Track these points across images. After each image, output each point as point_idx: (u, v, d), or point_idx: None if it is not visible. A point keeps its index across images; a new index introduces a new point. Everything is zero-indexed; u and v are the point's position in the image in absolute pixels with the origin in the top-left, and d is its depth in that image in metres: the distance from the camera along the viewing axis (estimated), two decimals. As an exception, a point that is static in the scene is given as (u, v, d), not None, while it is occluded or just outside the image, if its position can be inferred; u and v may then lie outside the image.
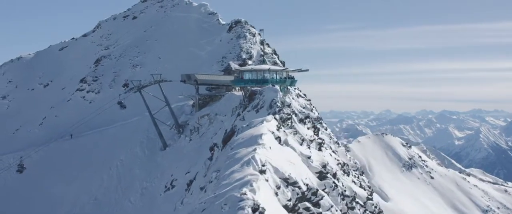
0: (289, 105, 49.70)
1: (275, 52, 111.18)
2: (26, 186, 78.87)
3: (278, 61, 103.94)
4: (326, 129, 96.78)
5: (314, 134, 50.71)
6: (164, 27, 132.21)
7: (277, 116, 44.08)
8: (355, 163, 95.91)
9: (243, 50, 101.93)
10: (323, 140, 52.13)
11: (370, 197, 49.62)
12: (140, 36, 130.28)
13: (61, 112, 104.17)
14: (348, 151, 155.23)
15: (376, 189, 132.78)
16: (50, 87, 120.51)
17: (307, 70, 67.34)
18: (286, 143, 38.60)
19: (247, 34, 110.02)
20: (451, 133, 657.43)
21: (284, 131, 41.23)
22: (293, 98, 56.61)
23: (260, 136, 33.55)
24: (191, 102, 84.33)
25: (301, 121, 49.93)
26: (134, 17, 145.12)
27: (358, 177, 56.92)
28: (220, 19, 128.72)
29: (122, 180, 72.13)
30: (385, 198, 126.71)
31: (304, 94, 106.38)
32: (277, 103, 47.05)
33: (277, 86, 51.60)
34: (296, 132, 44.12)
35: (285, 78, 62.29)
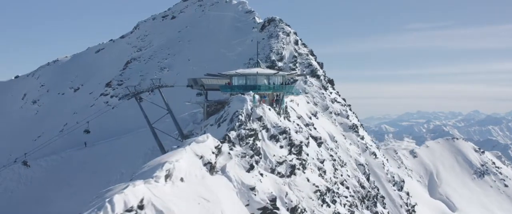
0: (259, 119, 40.59)
1: (312, 53, 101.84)
2: (29, 199, 75.26)
3: (313, 63, 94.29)
4: (362, 138, 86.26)
5: (292, 153, 41.35)
6: (199, 27, 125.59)
7: (233, 133, 35.79)
8: (393, 177, 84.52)
9: (273, 51, 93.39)
10: (304, 160, 42.40)
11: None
12: (174, 37, 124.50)
13: (82, 118, 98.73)
14: (415, 156, 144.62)
15: (442, 198, 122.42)
16: (80, 91, 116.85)
17: (304, 74, 57.65)
18: (223, 171, 30.18)
19: (280, 33, 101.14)
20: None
21: (229, 153, 32.58)
22: (268, 109, 46.69)
23: (162, 165, 25.22)
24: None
25: (273, 137, 40.60)
26: (173, 17, 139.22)
27: (357, 206, 46.55)
28: (256, 18, 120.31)
29: (117, 197, 65.79)
30: (452, 207, 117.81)
31: (343, 99, 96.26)
32: (239, 116, 38.42)
33: (247, 96, 42.78)
34: (255, 154, 35.36)
35: (281, 84, 53.12)
